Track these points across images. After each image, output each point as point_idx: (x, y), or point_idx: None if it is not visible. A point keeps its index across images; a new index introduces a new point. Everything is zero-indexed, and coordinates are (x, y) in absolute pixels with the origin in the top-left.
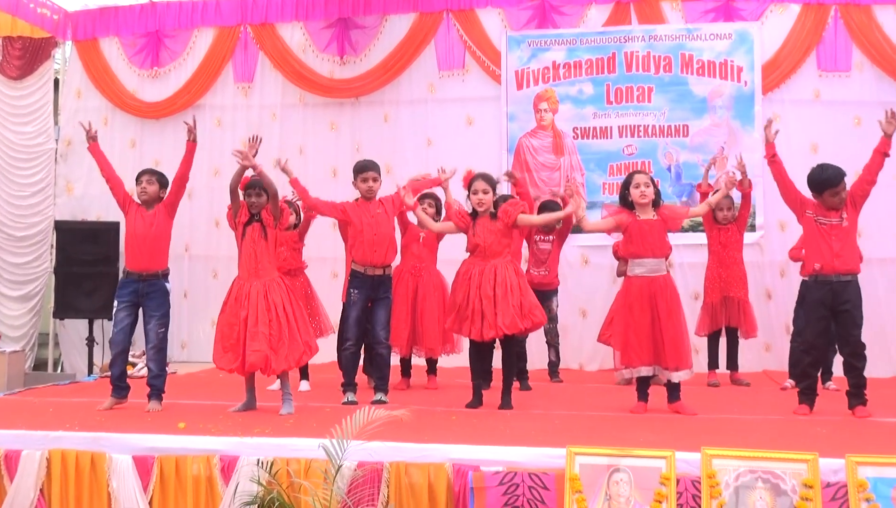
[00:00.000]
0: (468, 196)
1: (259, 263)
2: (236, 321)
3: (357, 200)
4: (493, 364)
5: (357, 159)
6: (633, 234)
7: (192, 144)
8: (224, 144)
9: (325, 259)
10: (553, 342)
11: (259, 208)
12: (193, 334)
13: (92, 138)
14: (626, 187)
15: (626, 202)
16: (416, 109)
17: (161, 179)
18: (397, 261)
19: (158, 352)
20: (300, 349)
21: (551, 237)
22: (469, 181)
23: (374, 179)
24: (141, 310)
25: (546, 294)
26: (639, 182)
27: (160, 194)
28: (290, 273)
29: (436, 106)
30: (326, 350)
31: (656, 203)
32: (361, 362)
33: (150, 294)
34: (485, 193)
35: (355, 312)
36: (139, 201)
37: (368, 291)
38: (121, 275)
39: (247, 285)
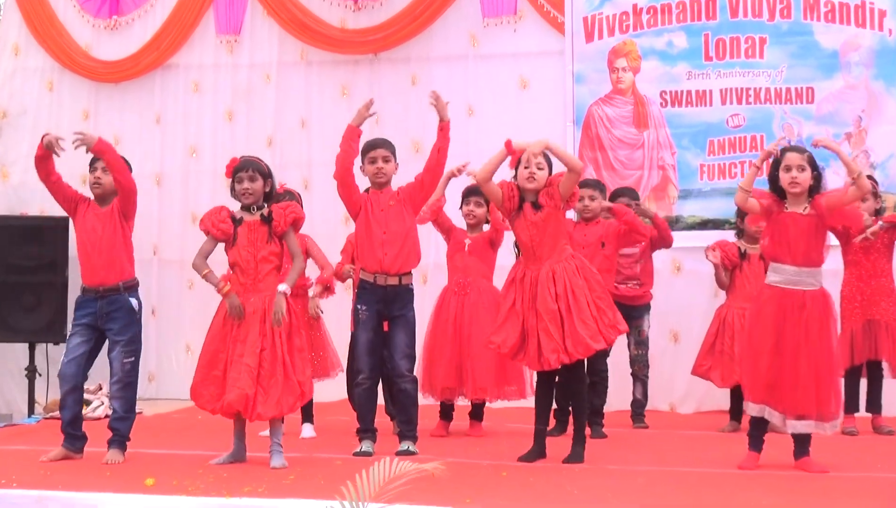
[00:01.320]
0: (514, 176)
1: (259, 271)
2: (224, 347)
3: (368, 189)
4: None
5: (377, 135)
6: (774, 230)
7: (100, 150)
8: (203, 115)
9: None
10: (640, 375)
11: (256, 199)
12: (164, 362)
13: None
14: (775, 168)
15: (775, 187)
16: (452, 67)
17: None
18: (440, 278)
19: (125, 388)
20: (296, 392)
21: (635, 249)
22: (517, 160)
23: (385, 160)
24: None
25: (635, 311)
26: (791, 163)
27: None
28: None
29: (479, 64)
30: (336, 385)
31: (814, 192)
32: (381, 400)
33: (113, 314)
34: (539, 168)
35: (366, 335)
36: (91, 196)
37: (380, 307)
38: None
39: (241, 300)
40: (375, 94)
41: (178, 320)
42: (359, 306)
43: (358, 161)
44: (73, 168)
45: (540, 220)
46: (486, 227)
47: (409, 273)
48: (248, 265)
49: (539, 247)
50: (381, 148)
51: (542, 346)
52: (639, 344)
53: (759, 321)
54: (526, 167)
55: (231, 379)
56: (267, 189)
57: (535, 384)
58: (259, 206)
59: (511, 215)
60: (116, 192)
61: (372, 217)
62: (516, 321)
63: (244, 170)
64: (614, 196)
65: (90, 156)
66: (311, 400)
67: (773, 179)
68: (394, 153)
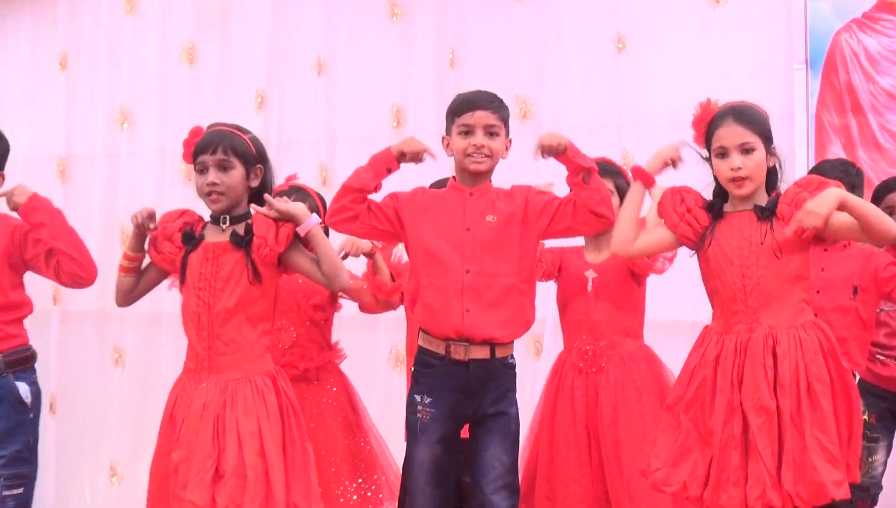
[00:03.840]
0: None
1: (218, 336)
2: (166, 475)
3: (443, 183)
4: None
5: (452, 87)
6: None
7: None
8: (143, 55)
9: (377, 329)
10: None
11: (230, 203)
12: (72, 495)
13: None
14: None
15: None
16: None
17: None
18: (554, 340)
19: None
20: None
21: None
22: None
23: (491, 132)
24: None
25: None
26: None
27: None
28: (307, 375)
29: None
30: None
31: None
32: None
33: None
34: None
35: (429, 450)
36: None
37: (458, 400)
38: None
39: (191, 390)
40: (448, 19)
41: (96, 419)
42: (417, 398)
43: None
44: None
45: (766, 249)
46: None
47: (511, 343)
48: (200, 323)
49: (755, 293)
50: (484, 108)
51: (749, 475)
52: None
53: None
54: (721, 155)
55: None
56: (253, 184)
57: None
58: (237, 216)
59: (699, 239)
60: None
61: (447, 237)
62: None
63: (210, 149)
64: (880, 195)
65: None
66: None
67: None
68: (506, 121)
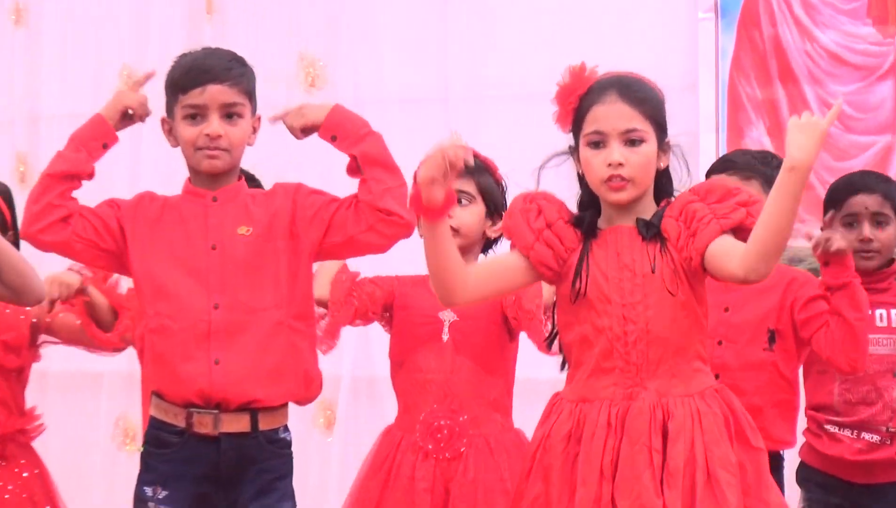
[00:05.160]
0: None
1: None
2: None
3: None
4: None
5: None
6: None
7: None
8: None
9: (97, 389)
10: None
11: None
12: None
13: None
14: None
15: None
16: None
17: None
18: (355, 407)
19: None
20: None
21: None
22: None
23: (231, 114)
24: None
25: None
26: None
27: None
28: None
29: None
30: None
31: None
32: None
33: None
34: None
35: None
36: None
37: (205, 489)
38: None
39: None
40: None
41: None
42: (147, 491)
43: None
44: None
45: (657, 281)
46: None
47: (283, 407)
48: None
49: (640, 344)
50: (220, 79)
51: None
52: None
53: None
54: (594, 144)
55: None
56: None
57: None
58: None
59: (558, 268)
60: None
61: (183, 260)
62: None
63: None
64: (838, 198)
65: None
66: None
67: None
68: (252, 95)
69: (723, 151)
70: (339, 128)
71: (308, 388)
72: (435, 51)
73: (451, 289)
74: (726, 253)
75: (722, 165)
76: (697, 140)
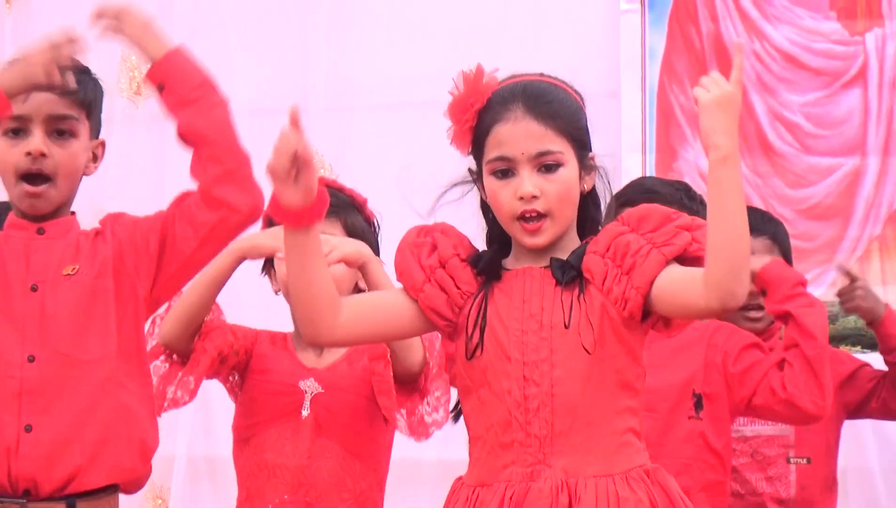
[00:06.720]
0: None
1: None
2: None
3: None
4: None
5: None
6: None
7: None
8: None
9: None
10: None
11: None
12: None
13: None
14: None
15: None
16: None
17: None
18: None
19: None
20: None
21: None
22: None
23: (61, 130)
24: None
25: None
26: None
27: None
28: None
29: None
30: None
31: None
32: None
33: None
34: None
35: None
36: None
37: None
38: None
39: None
40: None
41: None
42: None
43: None
44: None
45: (571, 337)
46: None
47: (110, 493)
48: None
49: (545, 412)
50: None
51: None
52: None
53: None
54: (499, 172)
55: None
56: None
57: None
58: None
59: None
60: None
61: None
62: None
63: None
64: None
65: None
66: None
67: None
68: (91, 105)
69: (651, 175)
70: (169, 76)
71: (144, 462)
72: (293, 53)
73: (317, 321)
74: (683, 284)
75: (641, 195)
76: (619, 161)
